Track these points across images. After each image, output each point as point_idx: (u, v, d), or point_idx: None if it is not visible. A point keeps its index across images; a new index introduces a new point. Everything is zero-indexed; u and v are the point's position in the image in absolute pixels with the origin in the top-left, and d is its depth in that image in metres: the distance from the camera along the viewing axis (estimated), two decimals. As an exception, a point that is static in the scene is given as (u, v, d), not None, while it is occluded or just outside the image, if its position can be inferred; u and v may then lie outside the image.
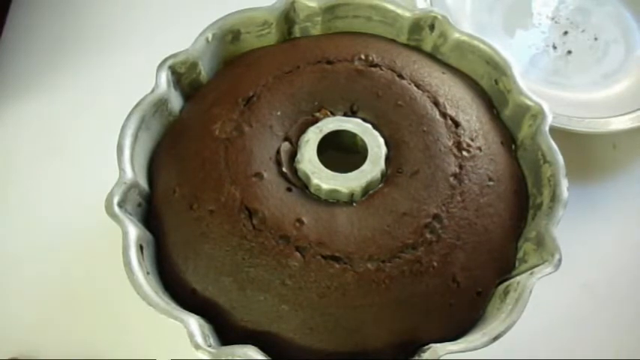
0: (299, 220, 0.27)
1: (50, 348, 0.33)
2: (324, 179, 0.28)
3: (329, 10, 0.33)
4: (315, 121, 0.30)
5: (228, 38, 0.33)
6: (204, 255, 0.27)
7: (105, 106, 0.40)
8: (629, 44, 0.45)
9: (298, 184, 0.28)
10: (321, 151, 0.29)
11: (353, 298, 0.26)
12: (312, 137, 0.29)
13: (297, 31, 0.34)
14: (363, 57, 0.31)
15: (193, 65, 0.31)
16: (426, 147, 0.29)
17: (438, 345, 0.25)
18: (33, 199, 0.38)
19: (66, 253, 0.36)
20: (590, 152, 0.41)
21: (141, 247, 0.26)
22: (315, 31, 0.34)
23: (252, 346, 0.25)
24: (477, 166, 0.29)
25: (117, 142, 0.28)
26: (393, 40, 0.34)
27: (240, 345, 0.25)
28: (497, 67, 0.32)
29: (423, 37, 0.34)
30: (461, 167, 0.28)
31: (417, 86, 0.31)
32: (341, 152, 0.30)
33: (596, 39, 0.45)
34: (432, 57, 0.34)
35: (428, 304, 0.26)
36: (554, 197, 0.28)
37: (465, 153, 0.29)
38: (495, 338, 0.25)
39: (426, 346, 0.26)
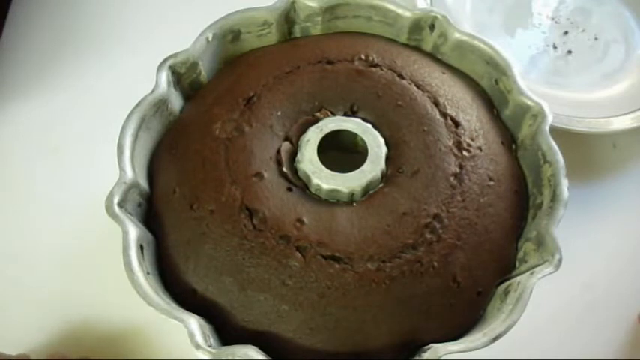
0: (299, 220, 0.27)
1: (50, 348, 0.33)
2: (324, 179, 0.28)
3: (329, 10, 0.33)
4: (316, 121, 0.30)
5: (229, 38, 0.33)
6: (205, 255, 0.27)
7: (105, 106, 0.40)
8: (629, 44, 0.45)
9: (298, 184, 0.28)
10: (321, 151, 0.29)
11: (353, 298, 0.26)
12: (312, 137, 0.29)
13: (297, 31, 0.34)
14: (363, 57, 0.31)
15: (193, 65, 0.31)
16: (426, 147, 0.29)
17: (439, 345, 0.25)
18: (33, 199, 0.38)
19: (66, 253, 0.36)
20: (590, 152, 0.41)
21: (141, 247, 0.26)
22: (316, 31, 0.34)
23: (253, 346, 0.25)
24: (477, 166, 0.29)
25: (117, 142, 0.28)
26: (393, 40, 0.34)
27: (241, 345, 0.25)
28: (498, 67, 0.32)
29: (423, 37, 0.34)
30: (461, 167, 0.28)
31: (418, 86, 0.31)
32: (341, 152, 0.30)
33: (596, 39, 0.45)
34: (432, 57, 0.34)
35: (428, 304, 0.26)
36: (554, 197, 0.28)
37: (465, 153, 0.29)
38: (495, 338, 0.25)
39: (427, 346, 0.26)
